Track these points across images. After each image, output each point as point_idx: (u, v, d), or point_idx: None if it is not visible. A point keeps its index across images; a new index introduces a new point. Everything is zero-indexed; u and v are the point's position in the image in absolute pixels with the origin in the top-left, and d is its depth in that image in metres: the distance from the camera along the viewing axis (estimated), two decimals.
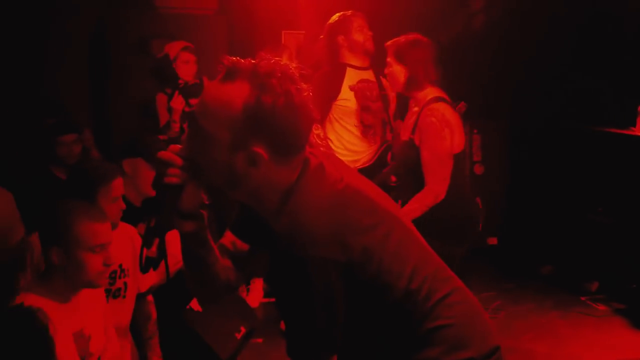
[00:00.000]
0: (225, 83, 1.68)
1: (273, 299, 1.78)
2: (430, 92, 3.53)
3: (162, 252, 1.74)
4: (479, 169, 6.28)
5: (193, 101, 4.98)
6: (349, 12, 4.34)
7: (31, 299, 2.23)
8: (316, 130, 4.26)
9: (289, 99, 1.65)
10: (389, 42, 3.62)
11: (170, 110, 5.07)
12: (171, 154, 1.72)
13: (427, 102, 3.51)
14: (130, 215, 3.19)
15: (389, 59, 3.60)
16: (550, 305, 5.07)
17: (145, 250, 1.71)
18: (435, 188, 3.46)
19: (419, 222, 2.57)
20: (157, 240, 1.72)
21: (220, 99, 1.67)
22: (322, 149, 4.18)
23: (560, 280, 5.53)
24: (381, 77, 4.41)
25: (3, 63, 5.55)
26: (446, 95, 3.58)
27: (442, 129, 3.42)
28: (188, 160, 1.71)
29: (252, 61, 1.69)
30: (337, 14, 4.35)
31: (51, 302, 2.31)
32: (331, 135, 4.33)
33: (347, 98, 4.27)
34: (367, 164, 4.30)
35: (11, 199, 3.67)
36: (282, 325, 3.95)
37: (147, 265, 1.74)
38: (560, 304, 5.09)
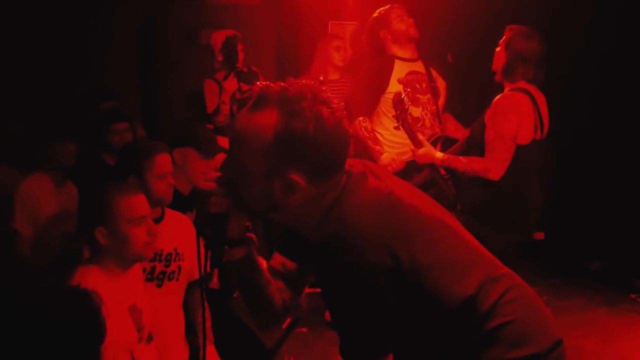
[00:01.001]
0: (255, 111, 1.66)
1: (317, 289, 1.78)
2: (521, 84, 3.61)
3: (225, 281, 1.74)
4: None
5: (244, 87, 5.03)
6: (387, 6, 4.37)
7: (88, 278, 2.31)
8: (364, 123, 4.25)
9: (321, 122, 1.63)
10: (512, 25, 3.68)
11: (221, 91, 5.14)
12: (212, 184, 1.72)
13: (510, 89, 3.61)
14: (180, 204, 3.23)
15: (501, 41, 3.68)
16: (599, 302, 4.99)
17: (205, 284, 1.71)
18: (489, 163, 3.56)
19: (479, 213, 2.59)
20: (216, 271, 1.72)
21: (251, 129, 1.65)
22: (370, 142, 4.18)
23: (610, 277, 5.43)
24: (431, 68, 4.38)
25: (55, 52, 5.67)
26: (535, 92, 3.63)
27: (510, 112, 3.53)
28: (228, 187, 1.70)
29: (282, 85, 1.67)
30: (376, 11, 4.38)
31: (106, 280, 2.40)
32: (379, 129, 4.32)
33: (393, 91, 4.19)
34: None
35: (52, 190, 3.81)
36: (327, 316, 3.98)
37: (210, 296, 1.74)
38: (610, 300, 5.01)
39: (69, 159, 3.85)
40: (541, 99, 3.69)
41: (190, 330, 3.12)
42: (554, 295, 4.98)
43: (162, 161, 2.99)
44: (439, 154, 3.79)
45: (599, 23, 5.38)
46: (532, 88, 3.64)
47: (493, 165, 3.55)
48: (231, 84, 5.14)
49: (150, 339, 2.61)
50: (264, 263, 1.92)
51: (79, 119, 4.64)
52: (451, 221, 1.87)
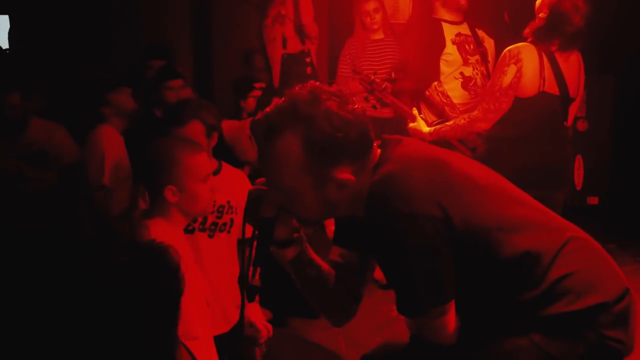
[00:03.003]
0: (273, 141, 1.69)
1: None
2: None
3: (260, 281, 1.80)
4: (582, 125, 6.05)
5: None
6: None
7: (159, 231, 2.37)
8: (440, 88, 4.18)
9: (334, 115, 1.65)
10: None
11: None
12: (261, 191, 1.79)
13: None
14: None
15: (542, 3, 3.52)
16: None
17: (248, 281, 1.77)
18: (475, 114, 3.52)
19: (509, 176, 2.53)
20: (259, 270, 1.78)
21: (280, 157, 1.69)
22: (447, 109, 4.13)
23: None
24: (476, 29, 4.33)
25: (109, 10, 5.73)
26: (560, 52, 3.47)
27: (507, 63, 3.44)
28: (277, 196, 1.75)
29: (279, 105, 1.69)
30: None
31: (174, 233, 2.45)
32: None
33: (450, 52, 4.21)
34: None
35: (121, 141, 3.93)
36: (376, 274, 3.97)
37: (251, 294, 1.80)
38: None
39: (129, 103, 3.95)
40: (567, 59, 3.51)
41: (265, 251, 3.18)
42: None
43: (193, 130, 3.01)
44: (427, 129, 3.76)
45: None
46: (554, 48, 3.48)
47: (479, 115, 3.49)
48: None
49: (243, 279, 2.66)
50: (317, 258, 1.95)
51: (132, 77, 4.72)
52: (500, 180, 1.88)
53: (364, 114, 1.73)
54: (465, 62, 4.23)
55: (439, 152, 1.85)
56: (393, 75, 4.39)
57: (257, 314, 3.07)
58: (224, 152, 3.47)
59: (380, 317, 3.90)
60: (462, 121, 3.58)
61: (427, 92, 4.17)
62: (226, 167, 3.14)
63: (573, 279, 1.73)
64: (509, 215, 1.76)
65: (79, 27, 5.60)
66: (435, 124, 4.02)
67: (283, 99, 1.71)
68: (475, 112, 3.54)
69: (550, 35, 3.46)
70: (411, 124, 3.84)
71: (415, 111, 3.92)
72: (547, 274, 1.72)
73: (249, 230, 1.85)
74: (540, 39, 3.48)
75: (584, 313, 1.71)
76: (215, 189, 2.97)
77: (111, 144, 3.88)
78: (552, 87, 3.50)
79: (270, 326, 3.08)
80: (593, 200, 6.14)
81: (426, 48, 4.26)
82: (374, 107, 3.99)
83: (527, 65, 3.43)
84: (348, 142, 1.68)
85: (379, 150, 1.81)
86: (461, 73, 4.21)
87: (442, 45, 4.20)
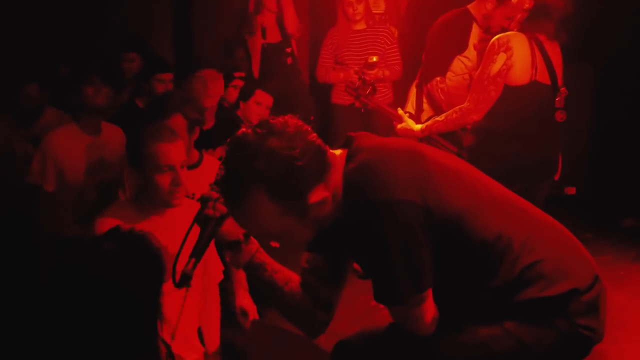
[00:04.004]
0: (240, 205, 1.75)
1: None
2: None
3: (193, 271, 1.86)
4: (560, 116, 6.06)
5: None
6: None
7: (122, 213, 2.41)
8: (441, 84, 4.08)
9: (279, 149, 1.68)
10: None
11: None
12: (215, 194, 1.84)
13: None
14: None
15: None
16: (630, 258, 4.98)
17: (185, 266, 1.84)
18: (466, 106, 3.45)
19: (492, 166, 2.57)
20: (193, 261, 1.85)
21: (254, 216, 1.75)
22: (444, 105, 4.02)
23: None
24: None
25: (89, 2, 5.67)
26: (546, 41, 3.46)
27: (496, 52, 3.38)
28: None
29: (226, 169, 1.73)
30: None
31: (138, 219, 2.48)
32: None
33: (468, 57, 4.11)
34: None
35: (121, 133, 3.80)
36: (355, 265, 3.99)
37: (182, 280, 1.86)
38: None
39: (102, 100, 3.79)
40: (552, 46, 3.49)
41: (225, 277, 3.18)
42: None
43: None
44: (418, 126, 3.71)
45: None
46: (542, 37, 3.46)
47: (469, 106, 3.43)
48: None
49: (174, 263, 2.64)
50: (274, 264, 1.99)
51: (109, 69, 4.71)
52: (473, 170, 1.91)
53: (303, 127, 1.74)
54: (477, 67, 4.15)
55: (410, 142, 1.87)
56: (369, 61, 4.35)
57: (249, 303, 3.07)
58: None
59: (360, 307, 3.92)
60: (454, 114, 3.51)
61: (428, 86, 4.13)
62: (208, 159, 3.14)
63: (544, 265, 1.76)
64: (480, 200, 1.79)
65: (58, 16, 5.53)
66: (426, 120, 3.99)
67: (224, 165, 1.74)
68: (466, 104, 3.47)
69: (540, 24, 3.42)
70: (399, 125, 3.76)
71: (400, 111, 3.86)
72: (518, 259, 1.74)
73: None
74: (529, 29, 3.43)
75: (556, 300, 1.74)
76: (195, 182, 2.97)
77: (61, 148, 3.73)
78: (543, 77, 3.48)
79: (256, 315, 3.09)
80: (571, 190, 6.18)
81: (446, 43, 4.12)
82: (361, 110, 3.97)
83: (517, 53, 3.37)
84: (307, 167, 1.70)
85: (343, 150, 1.83)
86: (470, 76, 4.08)
87: (465, 45, 4.09)
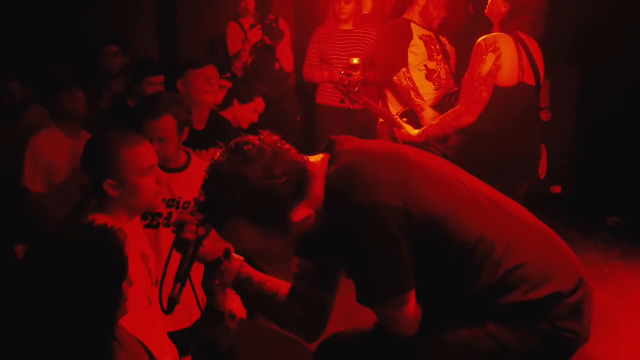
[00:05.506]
0: (223, 231, 1.77)
1: None
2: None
3: (179, 296, 1.87)
4: (545, 116, 6.11)
5: (267, 40, 5.03)
6: None
7: (102, 219, 2.30)
8: (408, 74, 4.20)
9: (259, 182, 1.67)
10: None
11: (245, 38, 5.14)
12: (189, 217, 1.86)
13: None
14: (194, 140, 3.30)
15: None
16: (615, 256, 5.01)
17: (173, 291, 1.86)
18: (457, 109, 3.49)
19: (475, 166, 2.60)
20: (179, 285, 1.86)
21: (238, 238, 1.77)
22: (413, 94, 4.14)
23: (627, 232, 5.42)
24: (440, 36, 4.41)
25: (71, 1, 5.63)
26: (528, 39, 3.50)
27: (485, 52, 3.40)
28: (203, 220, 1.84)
29: (207, 202, 1.74)
30: None
31: (117, 222, 2.37)
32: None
33: (417, 45, 4.27)
34: (432, 105, 4.26)
35: (65, 145, 3.77)
36: None
37: (170, 306, 1.87)
38: (625, 255, 5.02)
39: (79, 107, 3.79)
40: (534, 46, 3.53)
41: (209, 276, 3.17)
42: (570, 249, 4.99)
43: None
44: (415, 131, 3.75)
45: None
46: (524, 36, 3.50)
47: (462, 109, 3.46)
48: (255, 35, 5.11)
49: (156, 283, 2.61)
50: (260, 275, 2.01)
51: (91, 68, 4.69)
52: (455, 171, 1.90)
53: (280, 147, 1.72)
54: (430, 57, 4.29)
55: (393, 144, 1.88)
56: (351, 62, 4.39)
57: (239, 305, 3.04)
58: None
59: (346, 306, 3.91)
60: (448, 118, 3.53)
61: (394, 78, 4.19)
62: (196, 161, 3.10)
63: (528, 269, 1.75)
64: (463, 203, 1.78)
65: (42, 17, 5.49)
66: (401, 114, 4.05)
67: (204, 192, 1.75)
68: (459, 107, 3.49)
69: (519, 20, 3.45)
70: (397, 132, 3.83)
71: (397, 119, 3.91)
72: (501, 263, 1.74)
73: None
74: (510, 27, 3.46)
75: (539, 303, 1.73)
76: (182, 185, 2.95)
77: (47, 150, 3.73)
78: (529, 78, 3.50)
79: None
80: (556, 189, 6.22)
81: (394, 38, 4.29)
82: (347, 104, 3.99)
83: (505, 54, 3.39)
84: (286, 191, 1.69)
85: (325, 154, 1.83)
86: (425, 66, 4.26)
87: (410, 37, 4.23)
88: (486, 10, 3.59)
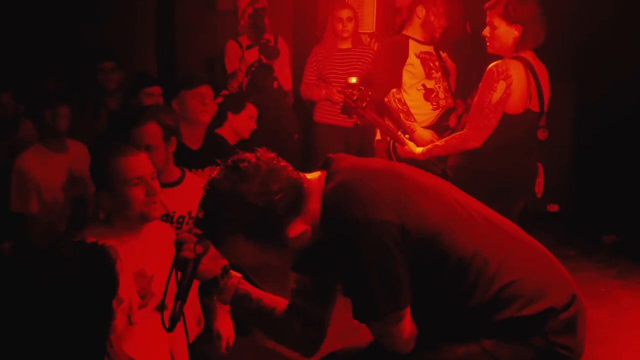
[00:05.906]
0: (220, 246, 1.78)
1: None
2: (526, 54, 3.48)
3: (180, 313, 1.87)
4: (542, 134, 6.12)
5: (264, 59, 5.05)
6: None
7: (93, 238, 2.32)
8: (397, 95, 4.23)
9: (255, 197, 1.68)
10: (489, 3, 3.49)
11: (242, 57, 5.15)
12: (188, 235, 1.85)
13: (509, 57, 3.47)
14: (189, 159, 3.30)
15: (492, 20, 3.47)
16: (612, 275, 5.00)
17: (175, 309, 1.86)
18: (465, 133, 3.49)
19: (473, 184, 2.61)
20: (179, 303, 1.86)
21: (235, 254, 1.78)
22: (402, 115, 4.18)
23: (625, 251, 5.42)
24: (440, 51, 4.44)
25: (71, 13, 5.64)
26: (535, 61, 3.50)
27: (496, 80, 3.39)
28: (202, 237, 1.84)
29: (205, 216, 1.74)
30: None
31: (114, 241, 2.39)
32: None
33: (412, 63, 4.28)
34: (429, 125, 4.27)
35: (85, 151, 3.84)
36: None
37: (171, 324, 1.87)
38: (622, 273, 5.01)
39: (62, 124, 3.80)
40: (541, 70, 3.53)
41: (206, 293, 3.15)
42: (566, 267, 4.93)
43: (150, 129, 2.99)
44: (419, 149, 3.77)
45: None
46: (531, 56, 3.49)
47: (469, 133, 3.46)
48: (252, 55, 5.13)
49: (161, 307, 2.58)
50: (258, 292, 2.01)
51: (88, 82, 4.70)
52: (450, 189, 1.92)
53: (276, 164, 1.74)
54: (428, 76, 4.31)
55: (389, 162, 1.89)
56: (349, 81, 4.42)
57: (227, 326, 3.03)
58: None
59: (343, 324, 3.90)
60: (454, 140, 3.54)
61: (385, 99, 4.21)
62: (190, 177, 3.10)
63: (521, 285, 1.76)
64: (458, 220, 1.80)
65: (41, 30, 5.51)
66: (444, 110, 4.13)
67: (201, 209, 1.75)
68: (466, 131, 3.50)
69: (532, 40, 3.45)
70: (399, 149, 3.84)
71: (401, 135, 3.93)
72: (495, 279, 1.75)
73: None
74: (523, 49, 3.46)
75: (533, 318, 1.74)
76: (176, 200, 2.94)
77: (33, 170, 3.73)
78: (535, 105, 3.51)
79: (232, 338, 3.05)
80: (553, 207, 6.23)
81: (388, 57, 4.32)
82: (356, 124, 4.01)
83: (516, 81, 3.40)
84: (282, 208, 1.71)
85: (322, 172, 1.84)
86: (423, 85, 4.28)
87: (405, 56, 4.25)
88: (491, 49, 3.54)
